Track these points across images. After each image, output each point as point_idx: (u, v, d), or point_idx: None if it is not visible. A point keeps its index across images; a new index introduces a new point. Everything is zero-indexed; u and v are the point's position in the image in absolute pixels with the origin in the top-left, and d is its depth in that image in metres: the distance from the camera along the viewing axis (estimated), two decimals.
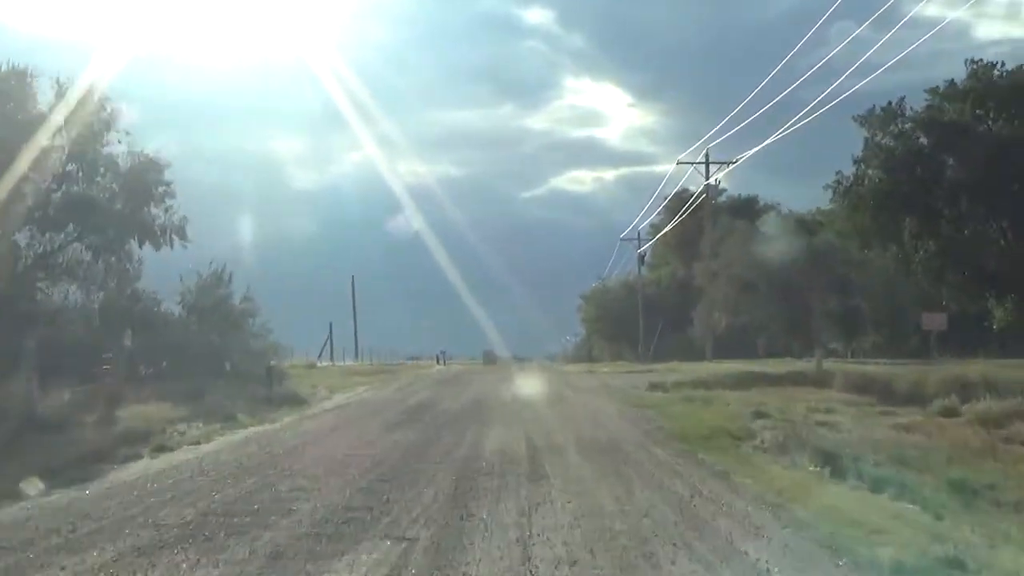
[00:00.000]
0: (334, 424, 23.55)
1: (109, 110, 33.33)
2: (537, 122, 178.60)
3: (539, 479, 14.24)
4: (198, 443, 20.18)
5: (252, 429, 22.78)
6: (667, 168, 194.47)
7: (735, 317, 62.00)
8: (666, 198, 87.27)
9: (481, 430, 21.00)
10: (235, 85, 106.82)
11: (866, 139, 58.00)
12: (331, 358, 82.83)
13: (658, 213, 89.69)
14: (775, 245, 58.70)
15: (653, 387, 33.70)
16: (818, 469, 15.87)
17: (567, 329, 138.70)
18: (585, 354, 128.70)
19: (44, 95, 30.94)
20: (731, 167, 61.83)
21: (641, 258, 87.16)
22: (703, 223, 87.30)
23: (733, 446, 18.48)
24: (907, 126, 57.45)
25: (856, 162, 58.20)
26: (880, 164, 56.97)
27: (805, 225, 64.14)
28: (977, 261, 54.92)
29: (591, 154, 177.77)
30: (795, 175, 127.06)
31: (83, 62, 37.86)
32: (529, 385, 36.86)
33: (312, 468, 15.50)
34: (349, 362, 78.38)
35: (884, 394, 28.00)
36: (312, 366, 64.71)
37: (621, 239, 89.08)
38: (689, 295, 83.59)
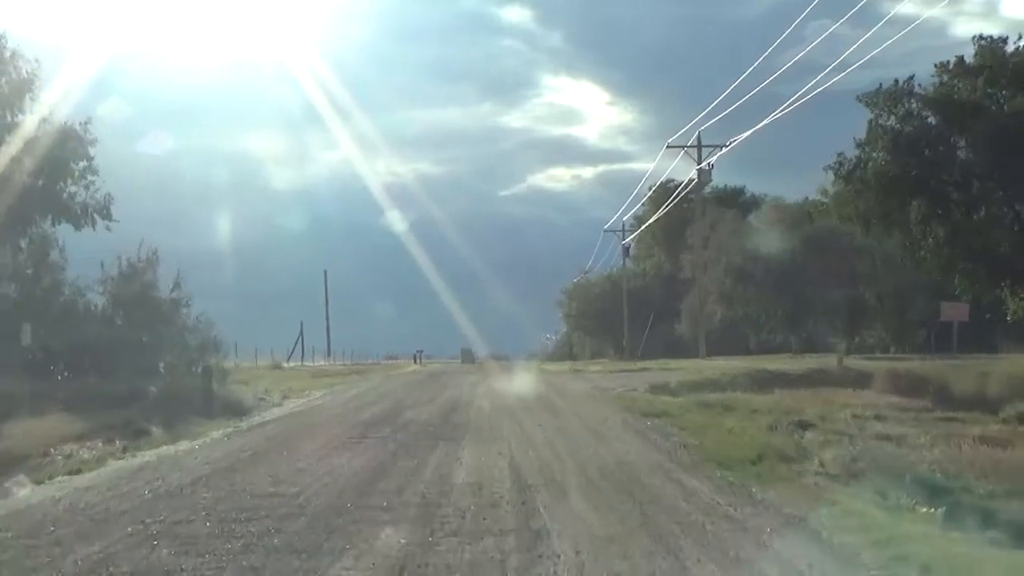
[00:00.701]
0: (267, 443, 18.24)
1: (25, 71, 28.22)
2: (515, 120, 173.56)
3: (535, 542, 9.15)
4: (79, 471, 15.02)
5: (161, 450, 17.54)
6: (645, 166, 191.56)
7: (730, 310, 57.03)
8: (651, 188, 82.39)
9: (451, 451, 15.83)
10: (212, 83, 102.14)
11: (870, 120, 53.02)
12: (302, 358, 77.54)
13: (642, 204, 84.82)
14: (772, 233, 53.93)
15: (655, 389, 28.72)
16: (931, 511, 10.91)
17: (547, 327, 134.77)
18: (566, 352, 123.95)
19: None
20: (723, 150, 56.95)
21: (626, 250, 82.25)
22: (689, 213, 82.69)
23: (791, 472, 13.38)
24: (915, 105, 52.51)
25: (860, 144, 53.23)
26: (886, 145, 51.99)
27: (800, 213, 59.32)
28: (990, 248, 50.06)
29: (569, 152, 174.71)
30: (767, 169, 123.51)
31: (59, 62, 32.95)
32: (510, 387, 31.89)
33: (198, 522, 10.37)
34: (320, 362, 73.07)
35: (939, 397, 22.97)
36: (278, 367, 59.52)
37: (605, 230, 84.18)
38: (676, 288, 78.74)
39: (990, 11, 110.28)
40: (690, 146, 57.18)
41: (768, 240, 53.57)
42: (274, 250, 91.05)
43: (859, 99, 53.23)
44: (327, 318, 79.56)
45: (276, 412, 25.81)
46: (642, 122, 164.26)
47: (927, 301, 50.03)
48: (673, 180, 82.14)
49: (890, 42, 39.82)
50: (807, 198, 57.29)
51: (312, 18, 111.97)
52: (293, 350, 77.64)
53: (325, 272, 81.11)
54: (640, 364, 52.84)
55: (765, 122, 49.90)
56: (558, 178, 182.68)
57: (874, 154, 53.39)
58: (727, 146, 56.53)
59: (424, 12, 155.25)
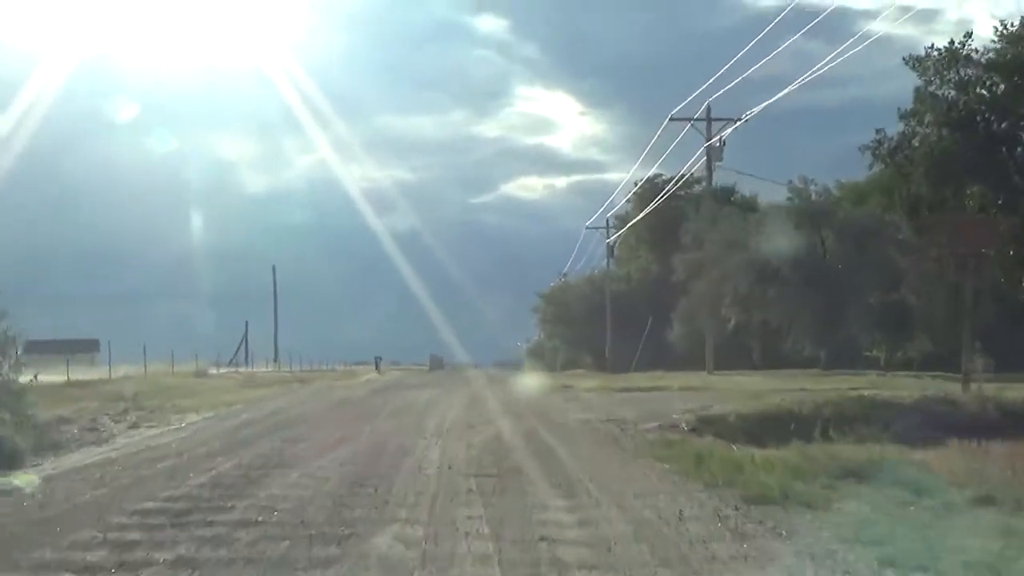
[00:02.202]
0: None
1: None
2: (489, 129, 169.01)
3: None
4: None
5: None
6: (618, 176, 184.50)
7: (745, 315, 45.94)
8: (636, 183, 71.25)
9: None
10: (186, 86, 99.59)
11: (918, 87, 42.22)
12: (246, 362, 65.95)
13: (627, 200, 73.81)
14: (797, 224, 42.98)
15: (704, 423, 17.66)
16: None
17: (518, 335, 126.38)
18: (539, 360, 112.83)
19: None
20: (737, 125, 45.97)
21: (610, 249, 70.90)
22: (681, 211, 72.03)
23: None
24: (971, 72, 41.80)
25: (904, 116, 42.38)
26: (938, 119, 41.18)
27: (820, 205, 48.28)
28: None
29: (542, 161, 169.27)
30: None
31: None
32: (480, 415, 20.69)
33: None
34: (261, 369, 61.35)
35: None
36: (202, 374, 48.01)
37: (587, 227, 72.91)
38: (666, 293, 67.62)
39: (962, 30, 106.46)
40: (697, 119, 46.13)
41: (791, 233, 42.65)
42: (242, 253, 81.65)
43: (905, 61, 42.49)
44: (275, 320, 68.02)
45: (72, 461, 14.33)
46: (615, 132, 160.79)
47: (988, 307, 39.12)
48: (661, 175, 72.07)
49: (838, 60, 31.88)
50: (839, 181, 46.14)
51: (288, 24, 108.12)
52: (236, 354, 66.07)
53: (273, 268, 69.75)
54: (637, 379, 41.77)
55: (780, 94, 39.15)
56: (531, 187, 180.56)
57: (920, 129, 42.65)
58: (741, 119, 45.48)
59: (399, 20, 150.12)
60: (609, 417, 19.21)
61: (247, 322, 66.56)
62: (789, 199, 43.97)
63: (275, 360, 67.17)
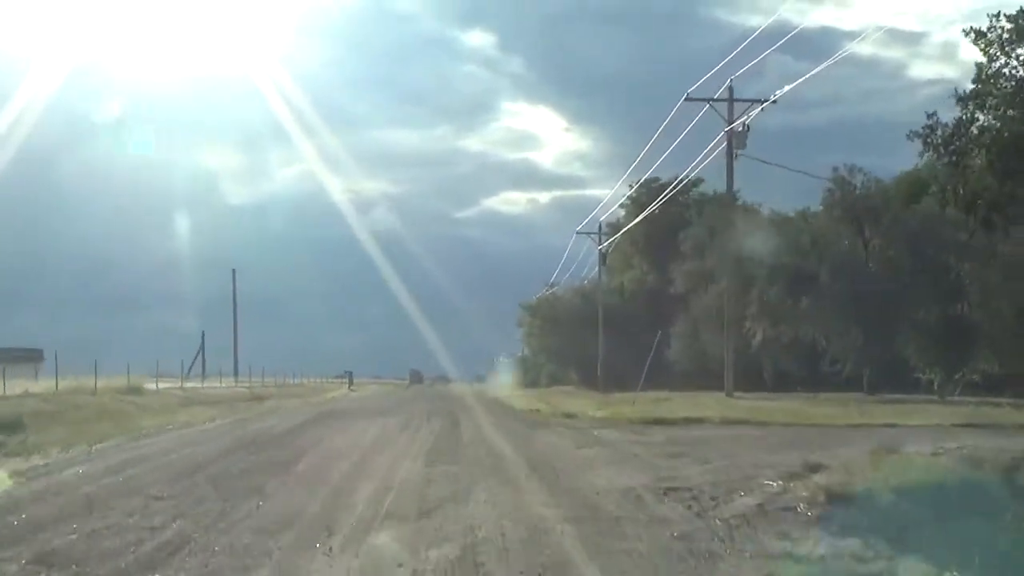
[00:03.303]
0: None
1: None
2: (473, 143, 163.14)
3: None
4: None
5: None
6: (600, 192, 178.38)
7: (773, 328, 37.73)
8: (631, 186, 63.08)
9: None
10: (173, 96, 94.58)
11: (979, 64, 34.14)
12: (203, 375, 57.33)
13: (620, 205, 65.72)
14: (837, 223, 35.00)
15: (837, 502, 9.56)
16: None
17: (501, 349, 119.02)
18: (523, 375, 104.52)
19: None
20: (764, 105, 37.89)
21: (603, 257, 62.54)
22: (679, 218, 64.16)
23: None
24: None
25: (962, 99, 34.32)
26: (1007, 99, 33.14)
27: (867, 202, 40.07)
28: None
29: (525, 176, 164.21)
30: None
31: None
32: (447, 472, 12.49)
33: None
34: (214, 384, 52.62)
35: None
36: (136, 390, 39.43)
37: (578, 232, 64.47)
38: (663, 306, 59.67)
39: (948, 55, 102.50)
40: (718, 99, 37.89)
41: (833, 234, 34.83)
42: (221, 262, 74.40)
43: (966, 34, 34.43)
44: (235, 330, 59.23)
45: None
46: (598, 149, 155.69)
47: None
48: (658, 179, 64.03)
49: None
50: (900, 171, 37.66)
51: (274, 36, 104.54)
52: (191, 366, 57.45)
53: (233, 271, 60.94)
54: (646, 402, 33.65)
55: (806, 77, 31.31)
56: (513, 202, 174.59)
57: (980, 115, 34.55)
58: (768, 101, 37.33)
59: (386, 33, 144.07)
60: (668, 485, 10.86)
61: (203, 332, 58.05)
62: (829, 191, 35.77)
63: (234, 373, 58.55)
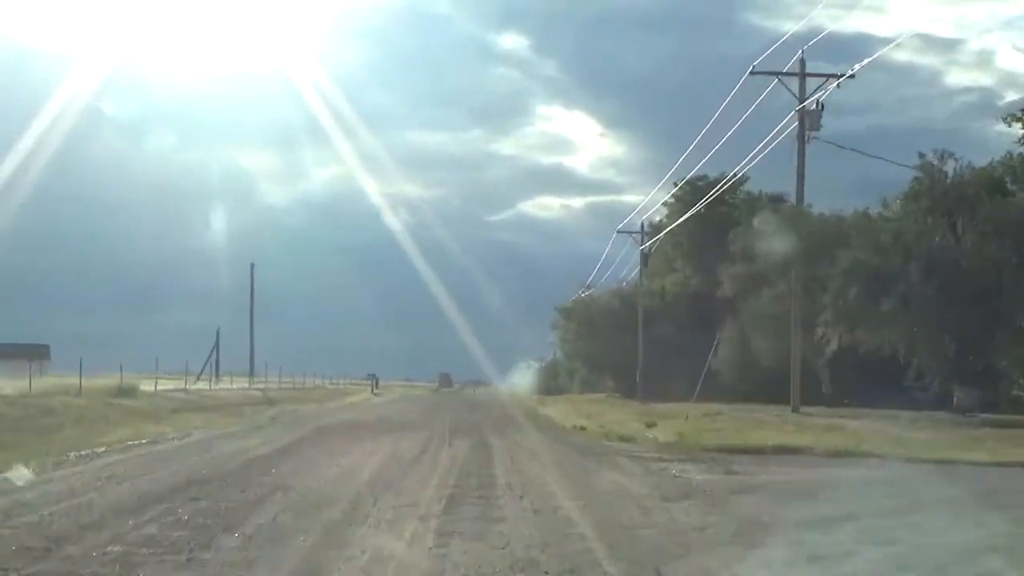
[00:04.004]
0: None
1: None
2: (506, 147, 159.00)
3: None
4: None
5: None
6: (635, 198, 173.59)
7: (848, 335, 32.22)
8: (676, 184, 57.55)
9: None
10: (209, 95, 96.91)
11: None
12: (217, 375, 52.47)
13: (664, 204, 60.26)
14: (928, 213, 29.53)
15: None
16: None
17: (532, 354, 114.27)
18: (554, 381, 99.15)
19: None
20: (841, 80, 32.41)
21: (645, 258, 57.03)
22: (727, 217, 58.75)
23: None
24: None
25: None
26: None
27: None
28: None
29: (559, 181, 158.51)
30: None
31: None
32: (491, 509, 7.46)
33: None
34: (231, 384, 47.62)
35: None
36: (130, 391, 34.56)
37: (618, 231, 59.02)
38: (708, 311, 54.25)
39: (984, 62, 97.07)
40: (787, 73, 32.44)
41: (922, 225, 29.34)
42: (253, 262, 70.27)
43: None
44: (251, 328, 54.18)
45: None
46: (633, 155, 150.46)
47: None
48: (704, 177, 58.70)
49: None
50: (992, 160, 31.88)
51: (310, 37, 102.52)
52: (205, 365, 52.57)
53: (252, 266, 55.88)
54: (697, 416, 28.47)
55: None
56: (547, 207, 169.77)
57: None
58: (845, 75, 31.90)
59: (420, 35, 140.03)
60: None
61: (218, 330, 53.25)
62: (916, 180, 30.27)
63: (250, 373, 53.52)
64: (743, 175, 52.01)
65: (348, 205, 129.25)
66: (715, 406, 37.98)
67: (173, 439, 18.98)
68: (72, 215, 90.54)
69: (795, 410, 31.60)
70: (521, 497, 10.59)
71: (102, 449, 16.16)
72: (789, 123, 31.83)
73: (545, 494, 10.76)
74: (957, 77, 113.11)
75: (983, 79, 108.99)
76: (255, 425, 23.20)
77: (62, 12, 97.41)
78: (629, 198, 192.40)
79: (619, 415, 35.08)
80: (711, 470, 13.82)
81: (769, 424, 25.84)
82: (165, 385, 40.10)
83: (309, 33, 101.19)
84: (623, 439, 19.28)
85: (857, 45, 71.79)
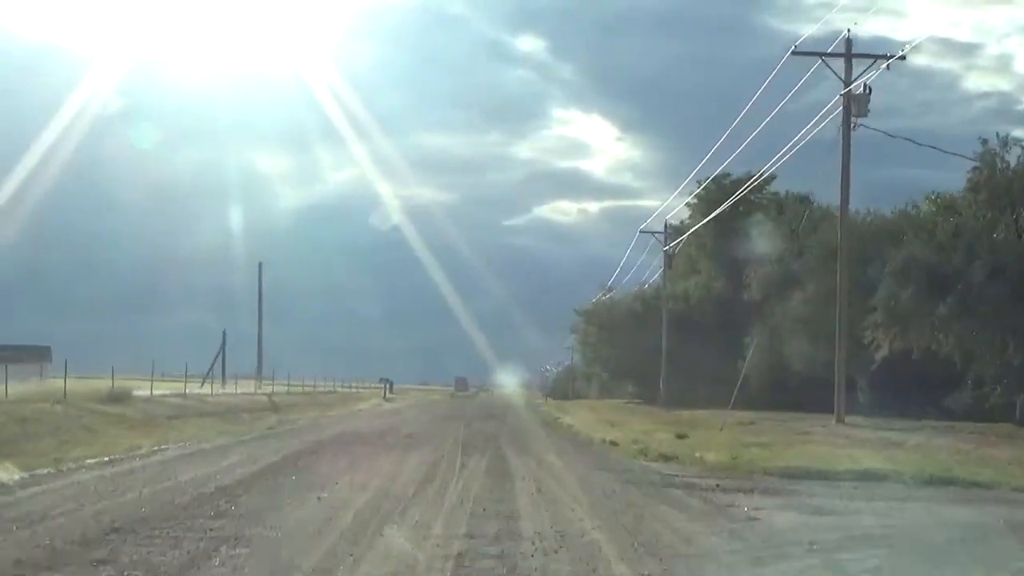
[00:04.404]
0: None
1: None
2: (523, 150, 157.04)
3: None
4: None
5: None
6: (652, 203, 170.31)
7: (903, 340, 28.98)
8: (700, 183, 54.33)
9: None
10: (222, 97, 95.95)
11: None
12: (223, 378, 49.58)
13: (687, 204, 57.06)
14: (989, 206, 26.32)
15: None
16: None
17: (548, 358, 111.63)
18: (567, 386, 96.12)
19: None
20: (891, 61, 29.22)
21: (669, 259, 53.83)
22: (751, 217, 55.64)
23: None
24: None
25: None
26: None
27: None
28: None
29: (576, 185, 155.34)
30: None
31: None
32: None
33: None
34: (230, 390, 44.66)
35: None
36: (122, 396, 31.60)
37: (641, 231, 55.85)
38: (734, 314, 51.15)
39: (1003, 66, 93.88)
40: (831, 54, 29.27)
41: (978, 221, 26.20)
42: (266, 264, 68.01)
43: None
44: (259, 330, 51.16)
45: None
46: (650, 159, 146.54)
47: None
48: (728, 175, 55.53)
49: None
50: None
51: (326, 39, 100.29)
52: (211, 368, 49.67)
53: (260, 265, 52.83)
54: (736, 427, 25.36)
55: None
56: (564, 211, 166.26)
57: None
58: (895, 56, 28.74)
59: (437, 37, 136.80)
60: None
61: (224, 331, 50.32)
62: (976, 170, 27.07)
63: (258, 374, 50.47)
64: (771, 174, 48.98)
65: (364, 208, 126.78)
66: (746, 414, 34.90)
67: (141, 456, 16.04)
68: (81, 214, 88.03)
69: (840, 420, 28.45)
70: (556, 552, 7.58)
71: (45, 471, 13.23)
72: (831, 110, 28.55)
73: (591, 554, 7.69)
74: (976, 82, 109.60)
75: (1001, 84, 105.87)
76: (247, 437, 20.23)
77: (72, 13, 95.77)
78: (646, 202, 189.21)
79: (646, 424, 31.95)
80: (789, 505, 10.77)
81: (817, 437, 22.75)
82: (164, 389, 37.25)
83: (324, 35, 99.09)
84: (665, 458, 16.18)
85: (875, 49, 68.77)
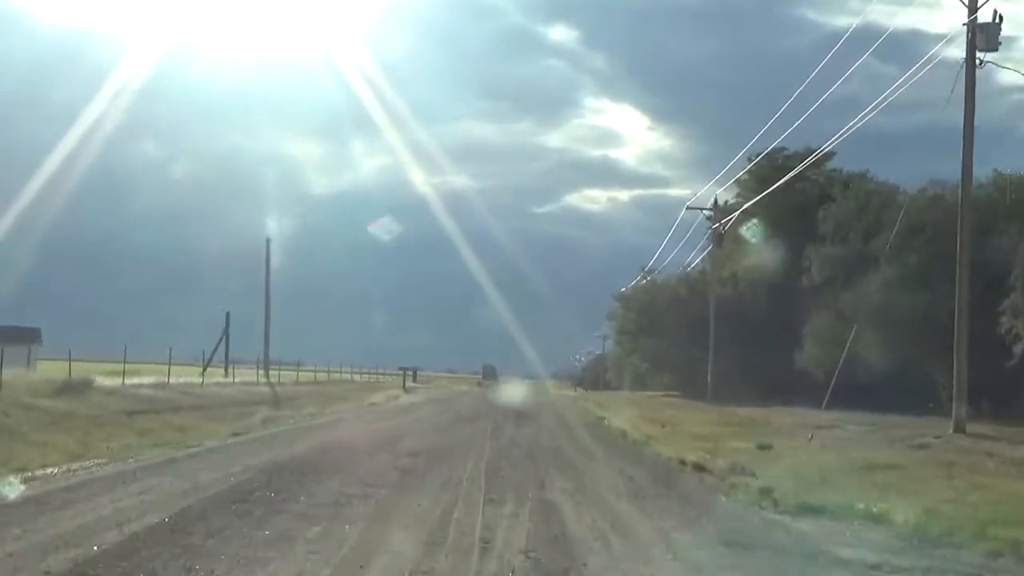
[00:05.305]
0: None
1: None
2: (554, 139, 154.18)
3: None
4: None
5: None
6: (682, 192, 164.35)
7: None
8: (751, 159, 47.64)
9: None
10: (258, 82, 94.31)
11: None
12: (225, 365, 43.67)
13: (736, 181, 50.49)
14: None
15: None
16: None
17: (578, 347, 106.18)
18: (599, 376, 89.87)
19: None
20: None
21: (719, 239, 47.17)
22: (808, 195, 49.30)
23: None
24: None
25: None
26: None
27: None
28: None
29: (606, 174, 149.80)
30: None
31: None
32: None
33: None
34: (224, 379, 38.61)
35: None
36: (82, 386, 25.75)
37: (688, 207, 49.14)
38: (791, 301, 44.68)
39: None
40: None
41: None
42: (298, 252, 63.77)
43: None
44: (266, 314, 44.76)
45: None
46: (681, 149, 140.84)
47: None
48: (784, 149, 49.27)
49: None
50: None
51: (359, 27, 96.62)
52: (214, 353, 43.80)
53: (268, 240, 46.56)
54: (822, 434, 19.10)
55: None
56: (594, 199, 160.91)
57: None
58: None
59: (469, 26, 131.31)
60: None
61: (228, 314, 44.16)
62: None
63: (264, 360, 44.30)
64: (830, 150, 42.40)
65: (395, 196, 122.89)
66: (820, 414, 28.67)
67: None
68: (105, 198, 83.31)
69: (959, 429, 22.04)
70: None
71: None
72: (970, 27, 21.98)
73: None
74: (1011, 75, 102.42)
75: None
76: (183, 453, 14.10)
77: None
78: (676, 191, 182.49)
79: (704, 425, 25.72)
80: None
81: (970, 461, 16.28)
82: (151, 377, 31.41)
83: (358, 22, 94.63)
84: (808, 509, 9.82)
85: (910, 42, 62.51)
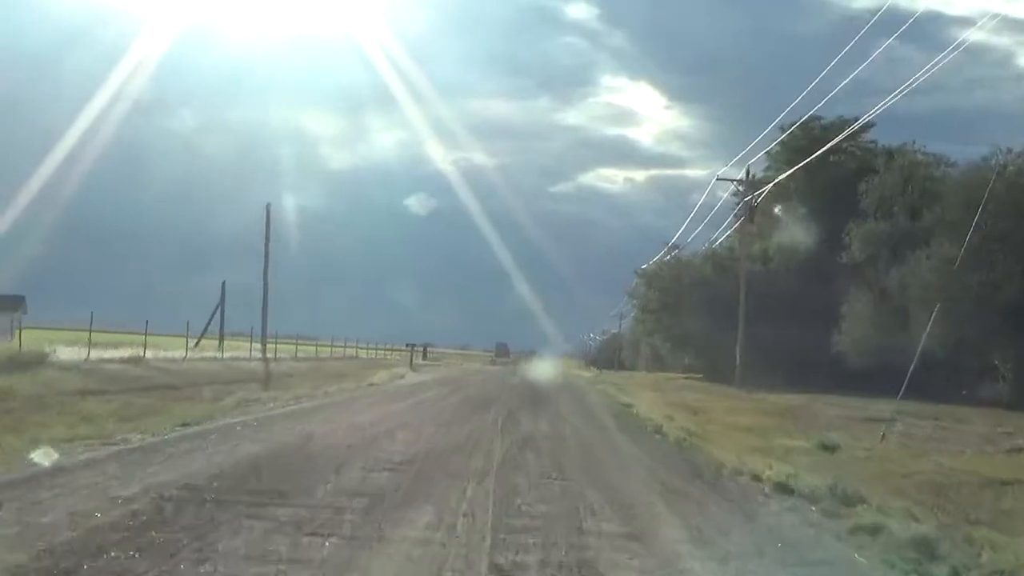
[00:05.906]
0: None
1: None
2: (571, 117, 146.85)
3: None
4: None
5: None
6: (698, 172, 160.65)
7: None
8: (784, 129, 43.61)
9: None
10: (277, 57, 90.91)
11: None
12: (220, 335, 40.10)
13: (767, 153, 46.48)
14: None
15: None
16: None
17: (592, 325, 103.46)
18: (614, 355, 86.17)
19: None
20: None
21: (751, 213, 43.12)
22: (845, 168, 45.54)
23: None
24: None
25: None
26: None
27: None
28: None
29: (623, 153, 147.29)
30: None
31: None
32: None
33: None
34: (213, 354, 34.98)
35: None
36: (36, 360, 22.28)
37: (719, 178, 45.09)
38: (826, 280, 40.90)
39: None
40: None
41: None
42: (307, 228, 60.33)
43: None
44: (264, 284, 40.91)
45: None
46: (698, 128, 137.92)
47: None
48: (821, 118, 45.68)
49: None
50: None
51: (378, 3, 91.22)
52: (208, 325, 40.20)
53: (268, 206, 42.57)
54: (898, 433, 15.31)
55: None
56: (610, 179, 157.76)
57: None
58: None
59: (488, 2, 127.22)
60: None
61: (224, 283, 40.50)
62: None
63: (262, 333, 40.69)
64: (869, 121, 38.42)
65: (411, 172, 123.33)
66: (871, 404, 24.97)
67: None
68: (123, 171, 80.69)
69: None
70: None
71: None
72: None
73: None
74: None
75: None
76: (130, 447, 10.48)
77: None
78: (693, 172, 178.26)
79: (742, 416, 22.09)
80: None
81: None
82: (122, 352, 27.81)
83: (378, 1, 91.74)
84: (871, 532, 6.05)
85: (927, 24, 58.66)
